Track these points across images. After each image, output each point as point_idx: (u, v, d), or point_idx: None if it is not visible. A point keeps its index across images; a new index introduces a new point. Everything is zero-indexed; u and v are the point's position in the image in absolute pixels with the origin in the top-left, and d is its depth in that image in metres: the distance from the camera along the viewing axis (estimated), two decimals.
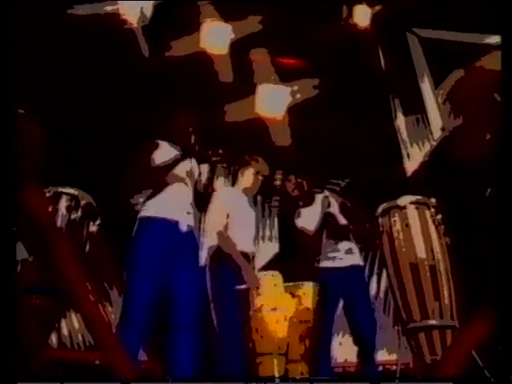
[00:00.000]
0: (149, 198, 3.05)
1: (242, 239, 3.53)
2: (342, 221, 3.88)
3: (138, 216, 3.01)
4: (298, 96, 4.91)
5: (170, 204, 3.00)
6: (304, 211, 3.96)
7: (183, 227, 2.99)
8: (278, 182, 4.69)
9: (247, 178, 3.71)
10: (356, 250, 3.87)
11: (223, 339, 3.33)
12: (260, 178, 3.73)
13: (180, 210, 3.02)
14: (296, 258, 3.81)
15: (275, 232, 5.59)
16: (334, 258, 3.81)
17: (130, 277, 2.92)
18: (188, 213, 3.05)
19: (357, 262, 3.85)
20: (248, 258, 3.54)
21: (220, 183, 3.73)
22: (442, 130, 4.61)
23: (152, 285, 2.88)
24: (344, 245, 3.83)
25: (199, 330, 2.94)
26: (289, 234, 3.97)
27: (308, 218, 3.89)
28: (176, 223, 2.97)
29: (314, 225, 3.82)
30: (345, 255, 3.81)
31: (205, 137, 3.20)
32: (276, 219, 5.67)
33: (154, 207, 3.01)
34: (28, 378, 2.36)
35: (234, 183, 3.84)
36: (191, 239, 3.03)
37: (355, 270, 3.83)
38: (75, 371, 3.34)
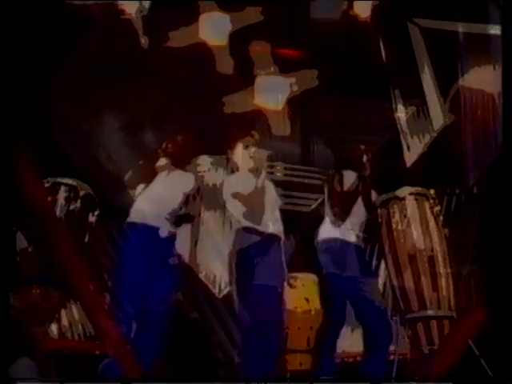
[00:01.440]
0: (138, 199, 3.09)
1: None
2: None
3: (126, 221, 3.06)
4: (298, 87, 4.89)
5: (155, 209, 3.05)
6: None
7: (164, 233, 3.05)
8: (278, 174, 4.68)
9: (240, 159, 3.51)
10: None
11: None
12: (253, 150, 3.53)
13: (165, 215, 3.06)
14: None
15: None
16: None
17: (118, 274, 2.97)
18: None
19: (353, 240, 3.55)
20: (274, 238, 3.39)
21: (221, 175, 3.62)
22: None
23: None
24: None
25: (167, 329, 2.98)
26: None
27: None
28: (157, 229, 3.02)
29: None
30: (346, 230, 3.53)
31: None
32: None
33: (142, 212, 3.05)
34: (28, 377, 2.38)
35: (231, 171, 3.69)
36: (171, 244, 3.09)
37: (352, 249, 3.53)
38: (75, 362, 3.38)
